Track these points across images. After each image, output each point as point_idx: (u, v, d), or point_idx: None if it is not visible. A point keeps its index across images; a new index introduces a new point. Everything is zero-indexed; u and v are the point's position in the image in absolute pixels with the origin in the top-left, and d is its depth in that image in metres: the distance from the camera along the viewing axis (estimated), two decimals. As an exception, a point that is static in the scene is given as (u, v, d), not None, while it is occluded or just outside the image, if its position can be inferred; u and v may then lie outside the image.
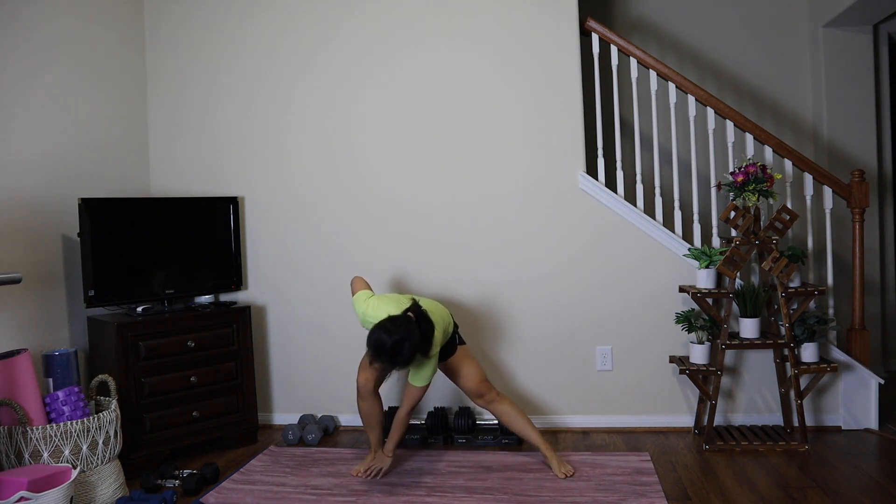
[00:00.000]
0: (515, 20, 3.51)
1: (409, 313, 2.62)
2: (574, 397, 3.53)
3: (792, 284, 3.21)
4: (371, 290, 2.91)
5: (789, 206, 3.35)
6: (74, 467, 2.55)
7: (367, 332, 2.60)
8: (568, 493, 2.68)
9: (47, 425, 2.53)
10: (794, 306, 3.29)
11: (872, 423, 3.32)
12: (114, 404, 2.77)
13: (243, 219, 3.74)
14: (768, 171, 3.15)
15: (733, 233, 3.35)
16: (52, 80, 3.16)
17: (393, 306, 2.68)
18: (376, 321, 2.59)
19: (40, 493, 2.24)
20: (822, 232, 3.83)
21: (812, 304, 3.32)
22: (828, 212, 3.43)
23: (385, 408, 3.60)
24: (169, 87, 3.79)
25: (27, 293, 2.95)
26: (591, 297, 3.51)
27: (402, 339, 2.49)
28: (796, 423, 3.22)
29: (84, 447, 2.60)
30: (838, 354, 3.32)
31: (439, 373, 2.95)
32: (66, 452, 2.56)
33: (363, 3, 3.61)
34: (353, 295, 2.89)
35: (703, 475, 2.84)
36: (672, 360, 3.40)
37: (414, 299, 2.72)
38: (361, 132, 3.64)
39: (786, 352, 3.22)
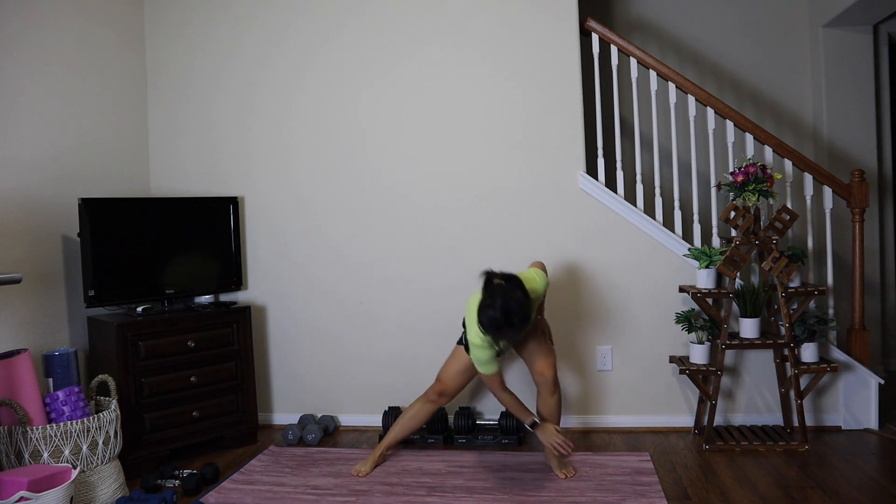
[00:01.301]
0: (516, 20, 3.51)
1: (495, 281, 2.57)
2: (574, 397, 3.53)
3: (792, 284, 3.21)
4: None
5: (789, 206, 3.35)
6: (74, 467, 2.55)
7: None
8: (568, 493, 2.67)
9: (47, 425, 2.53)
10: (794, 306, 3.29)
11: (872, 423, 3.32)
12: (114, 404, 2.77)
13: (243, 219, 3.74)
14: (768, 171, 3.15)
15: (733, 233, 3.35)
16: (52, 79, 3.16)
17: (473, 300, 2.65)
18: (474, 313, 2.56)
19: (40, 493, 2.24)
20: (822, 232, 3.82)
21: (812, 304, 3.32)
22: (828, 212, 3.43)
23: (385, 407, 3.61)
24: (169, 87, 3.79)
25: (27, 293, 2.95)
26: (590, 296, 3.51)
27: (505, 302, 2.45)
28: (796, 423, 3.22)
29: (84, 447, 2.60)
30: (838, 354, 3.32)
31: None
32: (66, 452, 2.56)
33: (362, 2, 3.61)
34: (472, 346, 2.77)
35: (703, 475, 2.84)
36: (672, 360, 3.40)
37: (485, 272, 2.64)
38: (361, 132, 3.64)
39: (786, 352, 3.22)
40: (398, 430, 3.08)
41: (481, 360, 2.71)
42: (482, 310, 2.49)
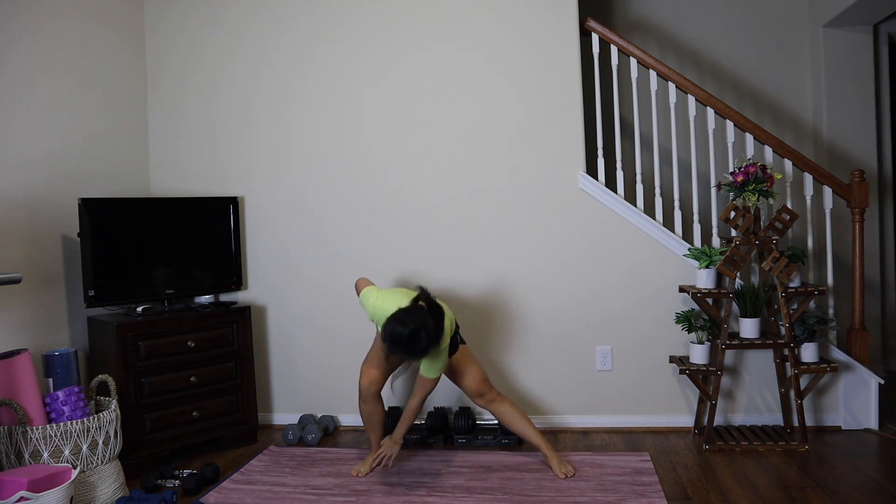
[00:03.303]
0: (516, 20, 3.51)
1: (420, 302, 2.61)
2: (574, 397, 3.53)
3: (792, 284, 3.21)
4: (376, 286, 2.91)
5: (789, 206, 3.35)
6: (74, 467, 2.55)
7: (373, 329, 2.59)
8: (568, 493, 2.68)
9: (47, 425, 2.53)
10: (794, 306, 3.29)
11: (872, 423, 3.32)
12: (114, 404, 2.77)
13: (243, 219, 3.74)
14: (768, 171, 3.15)
15: (733, 233, 3.35)
16: (52, 79, 3.16)
17: (402, 298, 2.68)
18: (388, 314, 2.58)
19: (40, 493, 2.24)
20: (822, 232, 3.82)
21: (812, 304, 3.32)
22: (828, 212, 3.43)
23: (385, 407, 3.61)
24: (169, 86, 3.79)
25: (27, 293, 2.95)
26: (591, 296, 3.51)
27: (417, 329, 2.48)
28: (796, 423, 3.22)
29: (84, 447, 2.60)
30: (838, 354, 3.32)
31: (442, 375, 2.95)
32: (66, 452, 2.56)
33: (363, 3, 3.61)
34: (358, 294, 2.89)
35: (703, 475, 2.84)
36: (672, 360, 3.40)
37: (422, 288, 2.71)
38: (361, 132, 3.64)
39: (786, 352, 3.22)
40: (374, 433, 3.02)
41: (365, 300, 2.78)
42: (393, 321, 2.53)
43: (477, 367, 2.97)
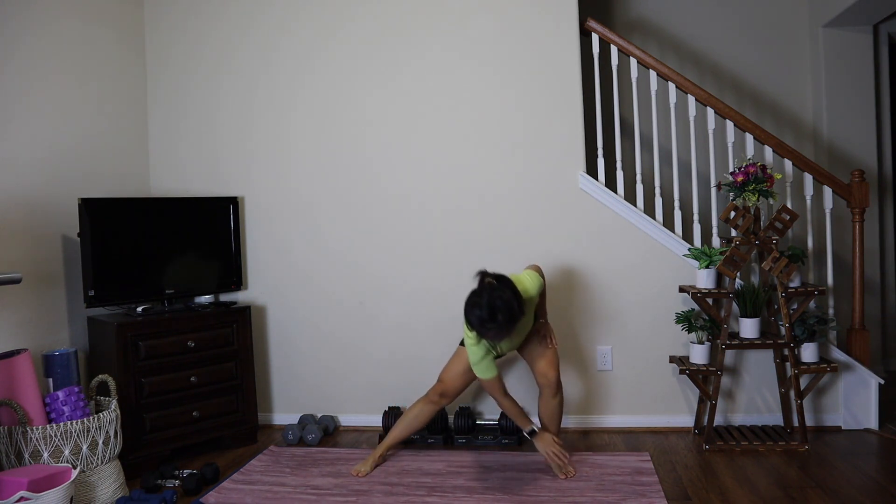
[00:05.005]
0: (516, 20, 3.51)
1: (486, 280, 2.59)
2: (574, 397, 3.53)
3: (792, 284, 3.21)
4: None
5: (789, 206, 3.35)
6: (74, 467, 2.55)
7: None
8: (568, 493, 2.68)
9: (47, 425, 2.53)
10: (794, 306, 3.29)
11: (872, 423, 3.32)
12: (114, 404, 2.77)
13: (243, 219, 3.74)
14: (768, 171, 3.15)
15: (733, 233, 3.35)
16: (52, 80, 3.16)
17: None
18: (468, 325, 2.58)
19: (40, 493, 2.24)
20: (822, 232, 3.82)
21: (812, 304, 3.32)
22: (828, 212, 3.43)
23: (385, 407, 3.61)
24: (169, 86, 3.79)
25: (27, 293, 2.95)
26: (591, 296, 3.51)
27: (491, 299, 2.48)
28: (796, 423, 3.22)
29: (84, 447, 2.60)
30: (838, 354, 3.32)
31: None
32: (66, 452, 2.56)
33: (363, 4, 3.61)
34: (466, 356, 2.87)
35: (703, 475, 2.84)
36: (672, 360, 3.40)
37: (481, 271, 2.67)
38: (362, 133, 3.64)
39: (786, 352, 3.22)
40: (399, 430, 3.08)
41: (475, 360, 2.73)
42: (469, 307, 2.54)
43: (554, 352, 2.94)
